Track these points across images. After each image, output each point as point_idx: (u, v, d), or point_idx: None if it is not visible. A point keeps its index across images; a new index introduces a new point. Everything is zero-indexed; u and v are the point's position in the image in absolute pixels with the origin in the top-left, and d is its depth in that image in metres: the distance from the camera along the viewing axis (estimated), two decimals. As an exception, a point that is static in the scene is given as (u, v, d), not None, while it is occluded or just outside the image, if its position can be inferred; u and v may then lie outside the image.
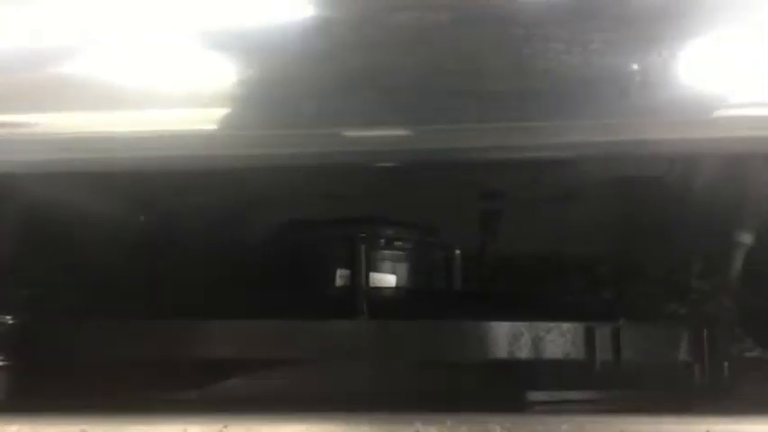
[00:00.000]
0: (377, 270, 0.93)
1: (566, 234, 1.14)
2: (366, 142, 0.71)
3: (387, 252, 0.94)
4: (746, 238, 1.02)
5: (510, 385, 0.81)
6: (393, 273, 0.95)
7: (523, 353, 0.81)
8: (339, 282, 0.93)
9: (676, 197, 1.03)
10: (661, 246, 1.12)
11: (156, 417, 0.69)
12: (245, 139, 0.71)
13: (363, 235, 0.92)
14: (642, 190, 1.06)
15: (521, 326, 0.81)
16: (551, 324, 0.82)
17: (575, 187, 1.09)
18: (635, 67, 0.69)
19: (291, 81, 0.69)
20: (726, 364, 0.94)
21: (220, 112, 0.69)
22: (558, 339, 0.82)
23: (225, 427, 0.67)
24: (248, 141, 0.71)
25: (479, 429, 0.69)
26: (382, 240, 0.94)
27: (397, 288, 0.94)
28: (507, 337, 0.81)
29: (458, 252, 1.00)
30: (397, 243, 0.95)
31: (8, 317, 0.81)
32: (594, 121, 0.71)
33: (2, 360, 0.78)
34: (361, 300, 0.85)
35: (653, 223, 1.11)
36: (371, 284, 0.92)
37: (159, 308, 0.84)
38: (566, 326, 0.83)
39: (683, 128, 0.72)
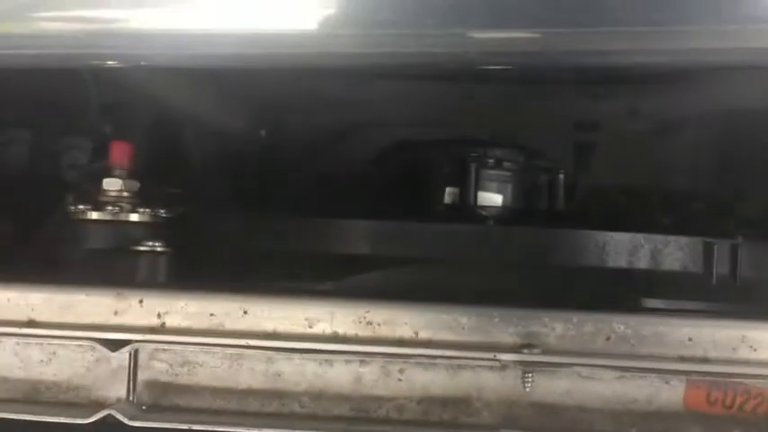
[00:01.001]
0: (485, 189, 0.94)
1: (665, 167, 1.13)
2: (493, 43, 0.72)
3: (494, 172, 0.95)
4: None
5: (629, 292, 0.81)
6: (500, 192, 0.95)
7: (642, 263, 0.81)
8: (448, 199, 0.94)
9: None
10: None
11: (307, 300, 0.73)
12: (372, 37, 0.71)
13: (474, 154, 0.93)
14: (744, 123, 1.04)
15: (640, 237, 0.81)
16: (670, 237, 0.82)
17: (676, 120, 1.08)
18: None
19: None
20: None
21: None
22: (676, 253, 0.82)
23: (367, 311, 0.71)
24: (375, 40, 0.71)
25: (603, 327, 0.70)
26: (491, 161, 0.95)
27: (504, 206, 0.95)
28: (627, 247, 0.81)
29: (561, 176, 1.00)
30: (506, 164, 0.95)
31: (162, 211, 0.87)
32: (712, 27, 0.70)
33: (161, 246, 0.85)
34: (474, 212, 0.86)
35: (754, 158, 1.09)
36: (479, 203, 0.93)
37: (293, 209, 0.88)
38: (684, 240, 0.82)
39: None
